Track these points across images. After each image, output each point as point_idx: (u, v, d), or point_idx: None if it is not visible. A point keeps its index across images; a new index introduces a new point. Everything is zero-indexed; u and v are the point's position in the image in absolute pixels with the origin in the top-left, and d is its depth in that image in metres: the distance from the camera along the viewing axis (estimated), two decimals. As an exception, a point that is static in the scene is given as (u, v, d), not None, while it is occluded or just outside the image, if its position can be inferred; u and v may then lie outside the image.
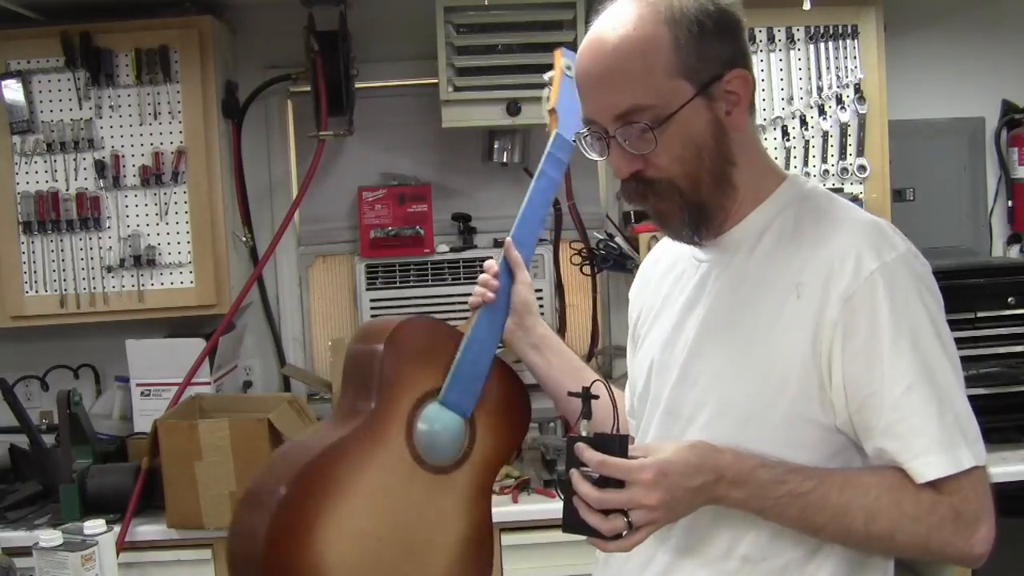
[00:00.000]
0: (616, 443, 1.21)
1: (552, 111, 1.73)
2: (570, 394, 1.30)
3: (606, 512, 1.21)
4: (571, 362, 1.64)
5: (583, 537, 1.25)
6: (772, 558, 1.28)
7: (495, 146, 3.02)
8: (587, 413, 1.26)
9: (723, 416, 1.28)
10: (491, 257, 3.09)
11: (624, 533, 1.21)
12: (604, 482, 1.21)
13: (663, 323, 1.42)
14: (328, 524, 1.42)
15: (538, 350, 1.62)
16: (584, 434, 1.24)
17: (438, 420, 1.54)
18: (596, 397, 1.26)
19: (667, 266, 1.48)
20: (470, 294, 1.64)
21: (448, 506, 1.54)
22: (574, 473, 1.22)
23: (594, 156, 1.33)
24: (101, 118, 2.79)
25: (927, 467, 1.20)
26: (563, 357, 1.63)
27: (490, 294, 1.61)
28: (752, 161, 1.33)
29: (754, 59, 2.86)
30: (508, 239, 1.65)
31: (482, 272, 1.64)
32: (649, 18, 1.25)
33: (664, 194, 1.29)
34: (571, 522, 1.24)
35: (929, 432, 1.20)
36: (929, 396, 1.20)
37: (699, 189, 1.28)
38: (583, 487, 1.21)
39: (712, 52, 1.26)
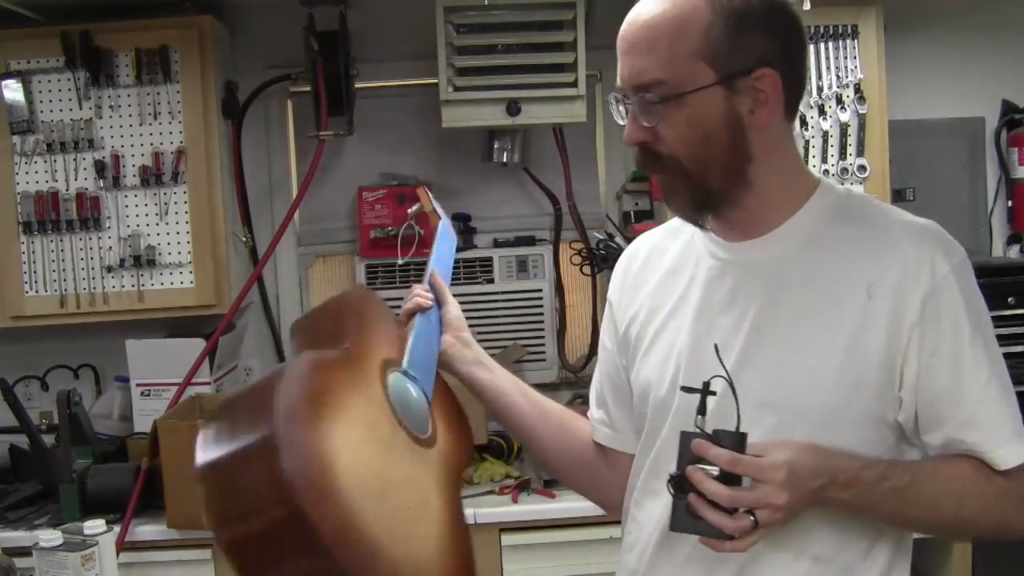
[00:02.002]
0: (734, 439, 1.19)
1: (433, 211, 1.81)
2: (684, 389, 1.25)
3: (730, 511, 1.18)
4: (511, 377, 1.60)
5: (695, 536, 1.21)
6: (837, 557, 1.30)
7: (495, 146, 3.02)
8: (703, 408, 1.22)
9: (798, 419, 1.26)
10: (491, 257, 3.12)
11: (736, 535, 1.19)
12: (726, 479, 1.17)
13: (681, 326, 1.38)
14: (333, 428, 1.19)
15: (482, 366, 1.58)
16: (701, 430, 1.20)
17: (406, 388, 1.44)
18: (714, 393, 1.22)
19: (670, 267, 1.45)
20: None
21: (429, 482, 1.39)
22: (696, 470, 1.18)
23: (618, 119, 1.35)
24: (101, 118, 2.79)
25: (1012, 454, 1.26)
26: (503, 372, 1.60)
27: (426, 302, 1.56)
28: (782, 163, 1.34)
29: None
30: (433, 270, 1.64)
31: (417, 295, 1.59)
32: None
33: (668, 170, 1.30)
34: (684, 521, 1.21)
35: (1008, 422, 1.27)
36: (1003, 388, 1.28)
37: (706, 174, 1.29)
38: (711, 485, 1.18)
39: (747, 45, 1.26)
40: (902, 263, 1.27)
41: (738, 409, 1.20)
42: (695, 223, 1.36)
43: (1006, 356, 1.36)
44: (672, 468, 1.23)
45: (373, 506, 1.19)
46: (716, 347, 1.26)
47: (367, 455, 1.24)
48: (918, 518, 1.28)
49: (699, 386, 1.24)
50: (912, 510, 1.26)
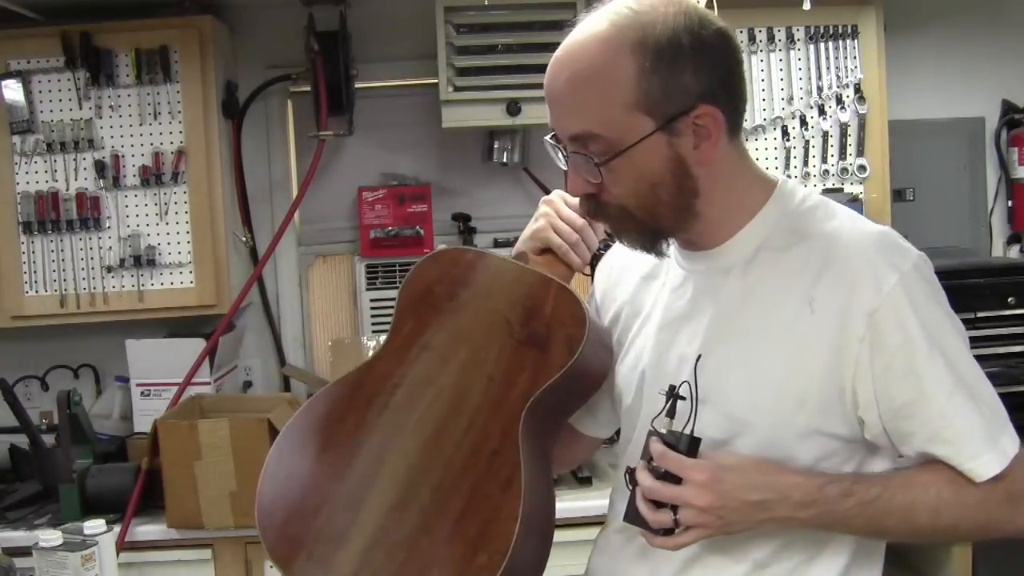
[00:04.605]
0: (684, 441, 1.22)
1: None
2: (664, 393, 1.27)
3: (659, 506, 1.22)
4: None
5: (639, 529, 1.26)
6: (782, 562, 1.28)
7: (495, 146, 3.02)
8: (671, 411, 1.24)
9: (740, 436, 1.26)
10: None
11: (676, 531, 1.22)
12: (665, 477, 1.21)
13: (651, 333, 1.39)
14: None
15: None
16: (662, 430, 1.24)
17: None
18: (683, 398, 1.24)
19: (648, 270, 1.44)
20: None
21: None
22: (640, 464, 1.24)
23: (560, 164, 1.31)
24: (101, 118, 2.79)
25: (983, 467, 1.22)
26: None
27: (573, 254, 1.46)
28: (730, 183, 1.30)
29: (754, 59, 2.86)
30: None
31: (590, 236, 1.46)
32: (616, 44, 1.20)
33: (617, 217, 1.29)
34: (630, 512, 1.26)
35: (976, 433, 1.22)
36: (967, 397, 1.23)
37: (656, 218, 1.27)
38: (642, 476, 1.22)
39: (681, 84, 1.21)
40: (845, 274, 1.22)
41: (693, 414, 1.23)
42: (649, 253, 1.33)
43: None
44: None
45: None
46: (699, 357, 1.26)
47: None
48: (893, 529, 1.25)
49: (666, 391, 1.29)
50: (885, 521, 1.23)
